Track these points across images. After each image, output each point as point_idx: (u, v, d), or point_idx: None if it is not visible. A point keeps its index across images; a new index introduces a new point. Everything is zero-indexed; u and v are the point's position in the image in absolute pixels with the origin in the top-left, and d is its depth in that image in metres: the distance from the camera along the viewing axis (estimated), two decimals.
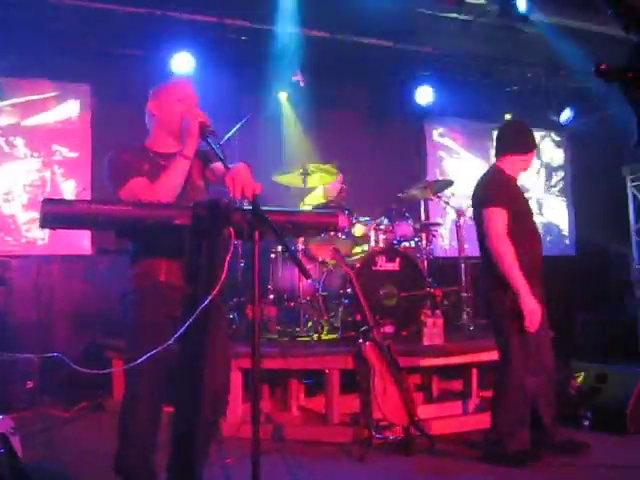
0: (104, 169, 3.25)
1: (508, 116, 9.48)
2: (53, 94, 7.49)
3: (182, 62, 7.38)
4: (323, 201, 6.67)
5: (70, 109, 7.57)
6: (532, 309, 4.36)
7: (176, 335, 2.63)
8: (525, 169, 4.84)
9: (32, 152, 7.38)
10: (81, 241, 7.34)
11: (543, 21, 7.67)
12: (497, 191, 4.58)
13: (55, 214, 2.54)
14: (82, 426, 5.68)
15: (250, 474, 2.47)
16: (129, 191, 3.10)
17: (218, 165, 3.14)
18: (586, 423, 5.51)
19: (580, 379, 5.85)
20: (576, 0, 7.24)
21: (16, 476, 2.96)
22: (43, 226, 2.56)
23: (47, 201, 2.54)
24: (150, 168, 3.17)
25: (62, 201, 2.99)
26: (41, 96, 7.43)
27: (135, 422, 3.16)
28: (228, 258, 2.63)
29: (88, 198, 7.18)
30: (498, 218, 4.46)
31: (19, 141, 7.32)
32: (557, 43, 7.98)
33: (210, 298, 2.62)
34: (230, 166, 2.83)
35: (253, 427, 2.49)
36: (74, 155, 7.54)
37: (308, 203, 6.53)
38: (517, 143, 4.74)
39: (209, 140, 3.03)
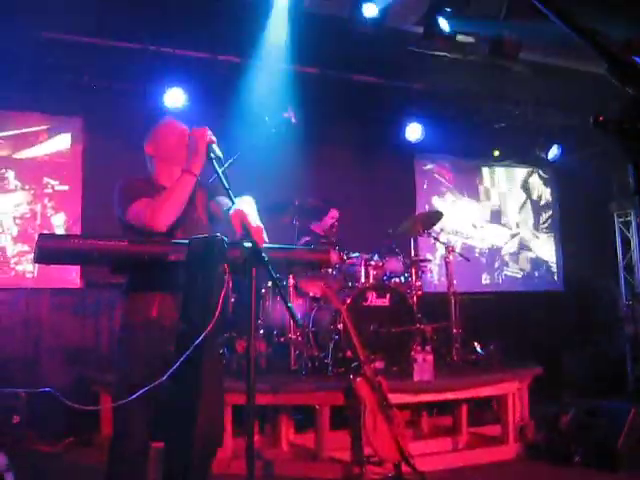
0: (114, 193, 3.26)
1: (496, 152, 9.59)
2: (45, 127, 7.51)
3: (174, 97, 7.42)
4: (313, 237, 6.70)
5: (61, 142, 7.58)
6: None
7: (169, 372, 2.62)
8: None
9: (23, 184, 7.38)
10: (70, 274, 7.31)
11: (531, 59, 7.79)
12: None
13: (51, 249, 2.54)
14: (70, 461, 5.62)
15: None
16: (135, 211, 3.11)
17: (223, 199, 3.15)
18: (577, 459, 5.50)
19: (570, 415, 5.85)
20: (563, 41, 7.33)
21: None
22: (39, 261, 2.56)
23: (43, 236, 2.54)
24: (156, 196, 3.18)
25: (58, 236, 2.99)
26: (33, 129, 7.45)
27: (123, 459, 3.13)
28: (223, 293, 2.64)
29: (78, 232, 7.19)
30: None
31: (10, 173, 7.32)
32: (545, 81, 8.10)
33: (205, 334, 2.62)
34: (235, 200, 2.85)
35: (248, 463, 2.48)
36: (65, 188, 7.55)
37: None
38: None
39: (214, 162, 3.04)
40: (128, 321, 3.23)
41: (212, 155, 3.06)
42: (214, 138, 3.13)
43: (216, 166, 3.02)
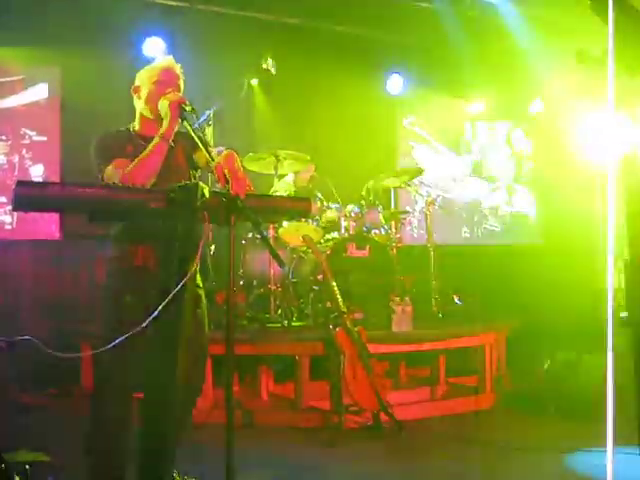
0: (91, 150, 3.29)
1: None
2: (21, 77, 7.39)
3: (153, 47, 7.32)
4: (294, 189, 6.67)
5: (39, 92, 7.47)
6: None
7: (149, 319, 2.62)
8: None
9: (0, 135, 7.28)
10: (49, 226, 7.26)
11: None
12: None
13: (28, 197, 2.52)
14: (52, 413, 5.64)
15: (222, 460, 2.49)
16: (110, 173, 3.13)
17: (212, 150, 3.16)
18: (552, 410, 5.59)
19: (546, 366, 5.95)
20: None
21: None
22: (16, 209, 2.55)
23: (20, 183, 2.52)
24: (133, 150, 3.19)
25: (35, 183, 2.98)
26: (9, 79, 7.33)
27: (105, 405, 3.16)
28: (202, 242, 2.64)
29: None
30: None
31: None
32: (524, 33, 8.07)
33: (183, 282, 2.63)
34: (215, 151, 2.85)
35: (227, 413, 2.50)
36: (43, 139, 7.45)
37: (278, 189, 6.52)
38: None
39: (186, 123, 3.04)
40: (112, 270, 3.25)
41: (185, 115, 3.09)
42: (183, 97, 3.18)
43: (187, 126, 3.04)
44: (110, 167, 3.14)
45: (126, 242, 3.22)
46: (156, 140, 3.13)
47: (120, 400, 3.17)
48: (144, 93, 3.38)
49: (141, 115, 3.42)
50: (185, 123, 3.07)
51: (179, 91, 3.35)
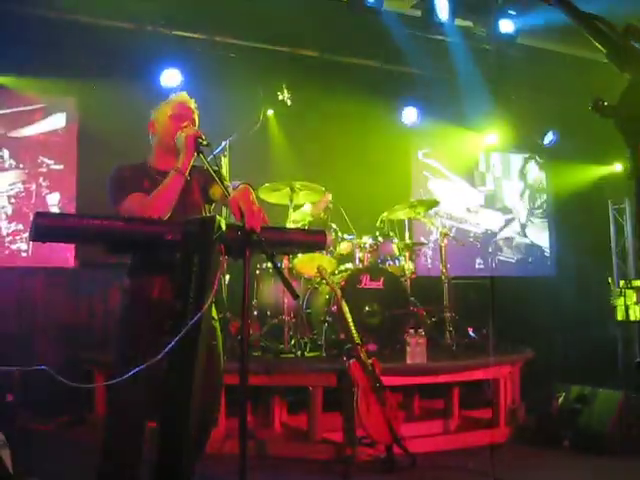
0: (106, 184, 3.31)
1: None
2: (40, 106, 7.49)
3: (170, 78, 7.40)
4: (309, 219, 6.70)
5: (57, 121, 7.56)
6: None
7: (165, 350, 2.63)
8: None
9: (17, 163, 7.36)
10: (64, 254, 7.31)
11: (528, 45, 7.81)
12: None
13: (47, 228, 2.55)
14: (64, 440, 5.65)
15: None
16: (126, 206, 3.16)
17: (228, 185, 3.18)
18: (566, 443, 5.55)
19: (561, 400, 5.90)
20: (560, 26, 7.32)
21: None
22: (34, 239, 2.56)
23: (39, 214, 2.55)
24: (149, 185, 3.21)
25: (54, 214, 3.00)
26: (28, 108, 7.43)
27: (117, 437, 3.16)
28: (219, 274, 2.66)
29: (73, 212, 7.18)
30: None
31: (5, 152, 7.30)
32: (541, 66, 8.11)
33: (200, 314, 2.64)
34: (231, 186, 2.87)
35: (241, 443, 2.50)
36: (60, 167, 7.53)
37: (294, 220, 6.55)
38: None
39: (202, 156, 3.08)
40: (128, 301, 3.27)
41: (201, 149, 3.13)
42: (199, 131, 3.21)
43: (203, 160, 3.07)
44: (126, 201, 3.17)
45: (142, 274, 3.22)
46: (172, 174, 3.15)
47: (133, 432, 3.16)
48: (160, 128, 3.41)
49: (157, 150, 3.45)
50: (201, 157, 3.10)
51: (194, 125, 3.39)
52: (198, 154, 3.12)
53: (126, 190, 3.20)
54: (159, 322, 3.07)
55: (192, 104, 3.49)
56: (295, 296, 2.73)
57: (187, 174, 3.18)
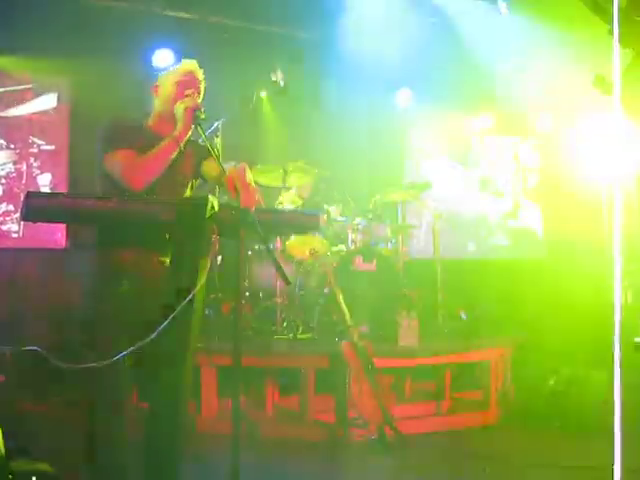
0: (98, 132, 3.24)
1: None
2: (31, 86, 7.43)
3: (163, 58, 7.36)
4: (299, 201, 6.69)
5: (48, 102, 7.51)
6: None
7: (157, 331, 2.62)
8: None
9: (8, 143, 7.31)
10: (55, 234, 7.28)
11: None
12: None
13: (39, 207, 2.53)
14: (57, 421, 5.63)
15: (224, 471, 2.49)
16: (114, 160, 3.11)
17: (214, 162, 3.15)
18: (557, 425, 5.58)
19: (552, 381, 5.93)
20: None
21: (1, 472, 2.92)
22: (25, 219, 2.55)
23: (31, 194, 2.53)
24: (143, 145, 3.15)
25: (46, 194, 2.98)
26: (19, 87, 7.37)
27: (105, 418, 3.15)
28: (210, 255, 2.65)
29: (64, 191, 7.15)
30: None
31: None
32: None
33: (192, 294, 2.63)
34: (227, 165, 2.86)
35: (234, 424, 2.50)
36: (51, 147, 7.48)
37: (283, 201, 6.52)
38: None
39: (200, 129, 3.05)
40: (117, 281, 3.20)
41: (199, 122, 3.10)
42: (199, 104, 3.17)
43: (201, 132, 3.05)
44: (115, 154, 3.11)
45: (132, 253, 3.11)
46: (168, 140, 3.11)
47: (118, 411, 3.15)
48: (163, 93, 3.35)
49: (157, 114, 3.39)
50: (199, 130, 3.07)
51: (199, 94, 3.34)
52: (196, 127, 3.09)
53: (117, 143, 3.14)
54: (148, 302, 3.04)
55: (200, 74, 3.43)
56: (286, 281, 2.70)
57: (182, 145, 3.15)
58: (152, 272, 3.11)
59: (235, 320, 2.63)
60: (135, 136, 3.22)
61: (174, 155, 3.13)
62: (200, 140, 3.20)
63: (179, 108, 3.14)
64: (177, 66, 3.47)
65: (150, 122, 3.40)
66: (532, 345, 6.73)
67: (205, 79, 3.44)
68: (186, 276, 2.74)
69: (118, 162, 3.09)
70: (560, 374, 5.97)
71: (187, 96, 3.20)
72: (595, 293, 8.97)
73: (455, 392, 6.11)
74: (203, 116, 3.10)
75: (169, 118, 3.25)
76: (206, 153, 3.29)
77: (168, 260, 3.06)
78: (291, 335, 5.89)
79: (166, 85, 3.36)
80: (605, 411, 5.24)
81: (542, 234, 10.19)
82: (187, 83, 3.33)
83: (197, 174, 3.42)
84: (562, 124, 9.29)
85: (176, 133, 3.12)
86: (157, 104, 3.41)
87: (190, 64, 3.46)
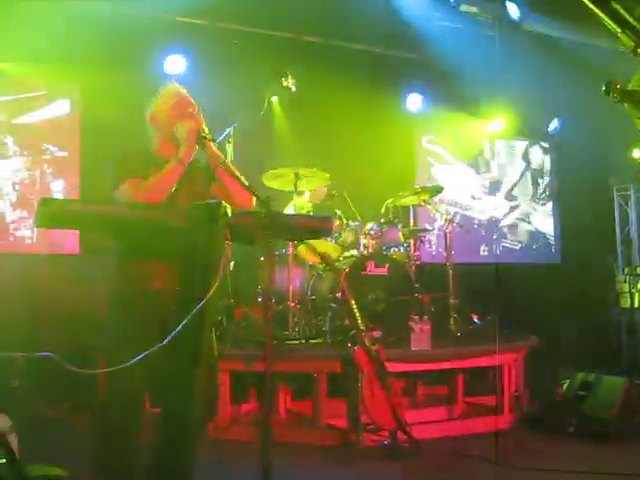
0: (108, 166, 3.30)
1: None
2: (44, 93, 7.46)
3: (174, 64, 7.39)
4: (310, 205, 6.69)
5: (60, 108, 7.54)
6: None
7: (169, 337, 2.62)
8: None
9: (22, 150, 7.34)
10: (69, 241, 7.31)
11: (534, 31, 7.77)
12: None
13: (52, 214, 2.54)
14: (69, 426, 5.66)
15: (236, 476, 2.49)
16: (122, 191, 3.16)
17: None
18: (571, 430, 5.56)
19: (565, 386, 5.91)
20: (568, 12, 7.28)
21: (15, 476, 2.93)
22: (39, 225, 2.56)
23: (44, 200, 2.54)
24: (151, 172, 3.19)
25: (59, 201, 3.00)
26: (32, 94, 7.40)
27: (115, 422, 3.15)
28: (223, 260, 2.65)
29: (76, 198, 7.18)
30: None
31: (9, 139, 7.28)
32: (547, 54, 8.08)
33: (206, 300, 2.63)
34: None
35: (263, 430, 2.50)
36: (64, 154, 7.51)
37: (295, 206, 6.52)
38: None
39: (205, 149, 3.09)
40: (128, 287, 3.23)
41: (203, 141, 3.16)
42: (201, 124, 3.24)
43: (210, 149, 3.10)
44: (123, 186, 3.16)
45: (145, 260, 3.17)
46: (172, 163, 3.15)
47: (130, 417, 3.16)
48: (162, 118, 3.37)
49: (161, 140, 3.41)
50: (206, 149, 3.11)
51: (196, 110, 3.37)
52: (200, 147, 3.14)
53: (125, 174, 3.18)
54: (158, 308, 3.06)
55: (185, 90, 3.47)
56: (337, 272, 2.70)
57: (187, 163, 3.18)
58: (166, 278, 3.12)
59: (266, 326, 2.63)
60: (142, 163, 3.27)
61: (180, 175, 3.17)
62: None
63: (182, 130, 3.18)
64: (163, 91, 3.49)
65: (155, 147, 3.44)
66: (545, 349, 6.71)
67: (196, 95, 3.48)
68: (198, 282, 2.74)
69: (126, 191, 3.14)
70: (574, 379, 5.95)
71: (188, 115, 3.23)
72: (608, 297, 8.98)
73: (468, 397, 6.10)
74: (209, 137, 3.14)
75: (172, 141, 3.28)
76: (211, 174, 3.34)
77: (181, 266, 3.06)
78: (303, 340, 5.89)
79: (162, 112, 3.39)
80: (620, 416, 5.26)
81: (554, 238, 10.17)
82: (181, 102, 3.37)
83: (210, 192, 3.44)
84: (573, 127, 9.28)
85: (180, 155, 3.17)
86: (158, 133, 3.43)
87: (174, 85, 3.50)
